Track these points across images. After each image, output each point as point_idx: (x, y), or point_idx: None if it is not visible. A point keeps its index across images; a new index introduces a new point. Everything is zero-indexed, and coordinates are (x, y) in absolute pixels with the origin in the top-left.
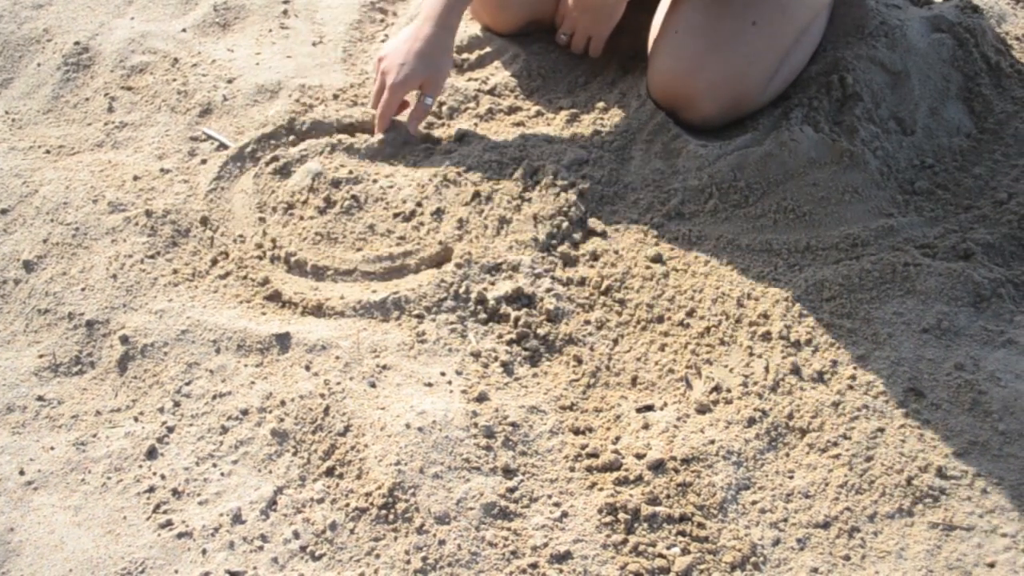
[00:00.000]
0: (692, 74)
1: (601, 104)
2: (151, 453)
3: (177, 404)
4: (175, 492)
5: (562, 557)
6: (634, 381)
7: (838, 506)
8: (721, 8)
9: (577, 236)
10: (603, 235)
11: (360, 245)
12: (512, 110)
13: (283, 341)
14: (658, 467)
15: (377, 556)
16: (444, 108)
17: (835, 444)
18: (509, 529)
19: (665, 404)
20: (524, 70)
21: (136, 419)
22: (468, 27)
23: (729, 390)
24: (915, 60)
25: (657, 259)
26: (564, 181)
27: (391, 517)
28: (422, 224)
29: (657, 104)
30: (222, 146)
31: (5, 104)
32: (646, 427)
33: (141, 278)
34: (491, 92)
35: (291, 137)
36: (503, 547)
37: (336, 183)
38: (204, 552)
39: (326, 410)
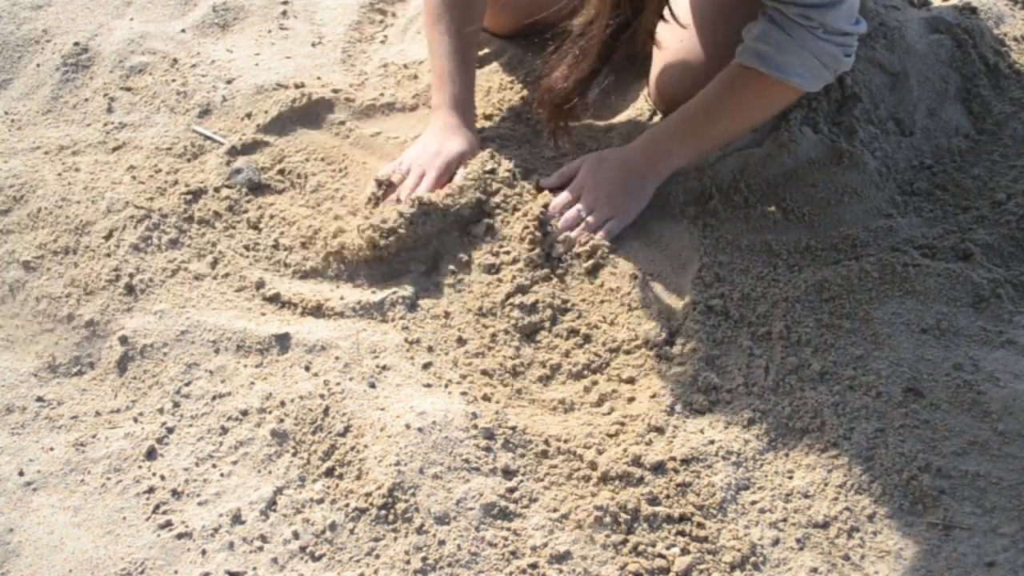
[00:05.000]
0: (696, 85)
1: (600, 104)
2: (151, 454)
3: (177, 405)
4: (175, 493)
5: (562, 557)
6: (633, 380)
7: (837, 506)
8: (729, 19)
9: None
10: None
11: None
12: (511, 111)
13: (283, 342)
14: (658, 467)
15: (377, 556)
16: None
17: (835, 444)
18: (509, 529)
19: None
20: (523, 71)
21: (136, 420)
22: None
23: (729, 390)
24: (914, 61)
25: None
26: None
27: (391, 517)
28: None
29: (657, 108)
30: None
31: (4, 105)
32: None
33: (140, 279)
34: (489, 93)
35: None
36: (503, 547)
37: None
38: (204, 552)
39: (326, 410)
